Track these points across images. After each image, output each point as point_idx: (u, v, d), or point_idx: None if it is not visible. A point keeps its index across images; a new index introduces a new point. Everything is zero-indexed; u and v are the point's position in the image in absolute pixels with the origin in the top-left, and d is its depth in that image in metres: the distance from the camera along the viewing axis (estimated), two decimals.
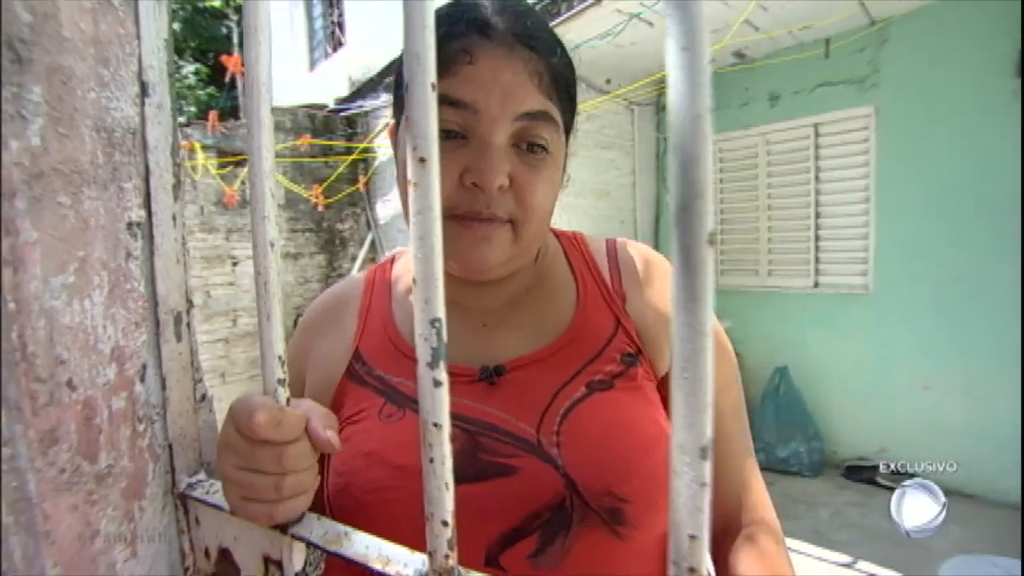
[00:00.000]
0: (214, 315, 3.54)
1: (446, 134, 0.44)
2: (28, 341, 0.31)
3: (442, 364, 0.26)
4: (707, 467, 0.20)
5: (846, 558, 2.39)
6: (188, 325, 0.40)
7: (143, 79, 0.37)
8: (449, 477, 0.26)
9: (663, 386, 0.50)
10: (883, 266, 3.01)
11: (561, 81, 0.46)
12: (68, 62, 0.32)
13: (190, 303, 0.41)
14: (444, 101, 0.42)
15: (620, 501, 0.42)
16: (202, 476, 0.40)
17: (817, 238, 3.27)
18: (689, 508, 0.20)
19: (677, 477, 0.20)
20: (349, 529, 0.32)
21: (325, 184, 3.81)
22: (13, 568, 0.35)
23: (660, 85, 3.53)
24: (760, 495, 0.52)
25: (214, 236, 3.57)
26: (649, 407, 0.47)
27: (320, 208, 3.81)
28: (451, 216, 0.44)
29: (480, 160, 0.43)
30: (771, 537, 0.49)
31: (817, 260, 3.28)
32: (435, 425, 0.26)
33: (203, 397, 0.41)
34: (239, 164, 3.54)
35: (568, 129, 0.50)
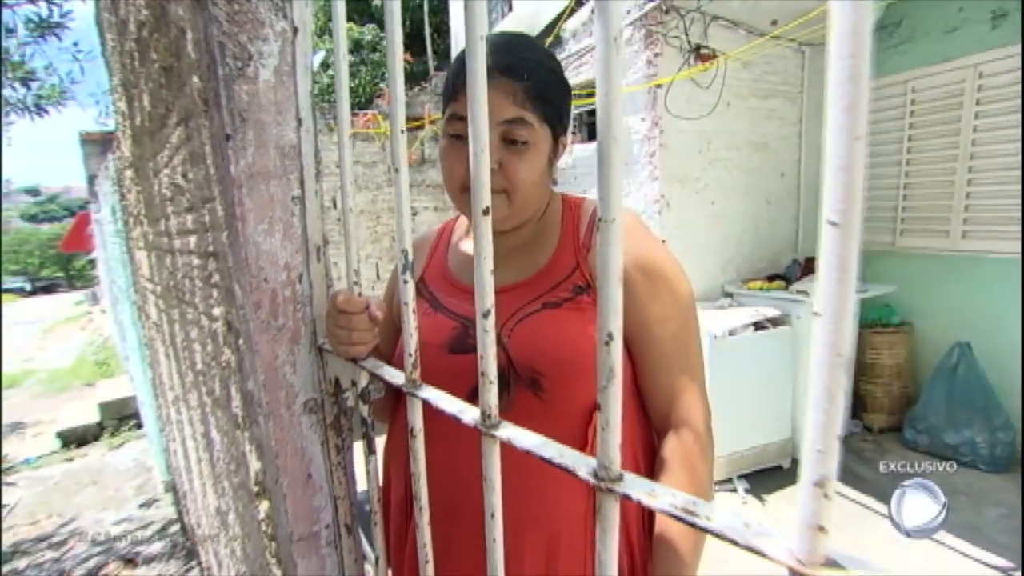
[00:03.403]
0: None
1: (458, 137, 0.67)
2: (248, 256, 0.63)
3: (408, 273, 0.50)
4: (486, 334, 0.42)
5: (1005, 563, 2.13)
6: (324, 253, 0.71)
7: (298, 116, 0.66)
8: (414, 332, 0.51)
9: None
10: None
11: (533, 93, 0.65)
12: (263, 116, 0.62)
13: (325, 241, 0.71)
14: (456, 117, 0.66)
15: (538, 374, 0.64)
16: None
17: None
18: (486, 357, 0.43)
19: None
20: (383, 363, 0.60)
21: None
22: (246, 371, 0.71)
23: None
24: (691, 404, 0.67)
25: None
26: (584, 323, 0.65)
27: None
28: (465, 189, 0.68)
29: None
30: (690, 432, 0.65)
31: None
32: (405, 304, 0.51)
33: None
34: (415, 129, 4.11)
35: (554, 123, 0.69)
